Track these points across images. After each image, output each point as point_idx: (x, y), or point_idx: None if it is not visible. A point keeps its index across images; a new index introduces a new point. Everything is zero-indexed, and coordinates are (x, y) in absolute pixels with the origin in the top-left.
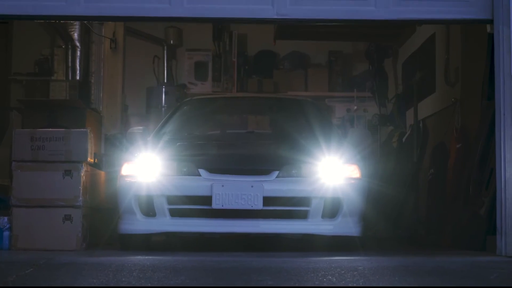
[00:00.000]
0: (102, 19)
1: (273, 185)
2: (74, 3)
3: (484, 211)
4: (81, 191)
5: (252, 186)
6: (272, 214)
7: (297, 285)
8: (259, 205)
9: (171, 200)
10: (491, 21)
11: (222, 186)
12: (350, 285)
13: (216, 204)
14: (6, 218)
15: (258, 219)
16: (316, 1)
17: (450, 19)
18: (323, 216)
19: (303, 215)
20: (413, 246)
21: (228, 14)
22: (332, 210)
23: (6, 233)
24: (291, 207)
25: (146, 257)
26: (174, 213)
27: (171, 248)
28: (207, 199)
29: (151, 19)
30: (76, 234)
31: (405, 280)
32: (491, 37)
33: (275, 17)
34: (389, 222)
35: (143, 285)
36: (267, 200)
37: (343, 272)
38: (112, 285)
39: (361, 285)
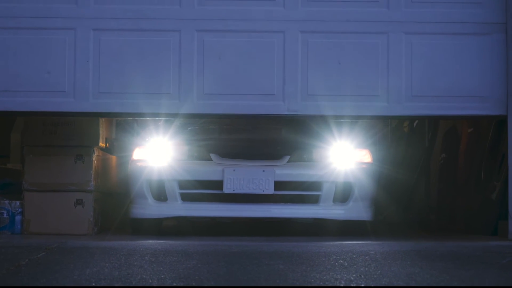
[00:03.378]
0: (111, 116)
1: (284, 169)
2: (83, 100)
3: (495, 196)
4: (92, 175)
5: (263, 171)
6: (283, 198)
7: (308, 269)
8: (270, 189)
9: (182, 184)
10: (505, 117)
11: (234, 170)
12: (361, 270)
13: (227, 189)
14: (18, 202)
15: (270, 204)
16: (327, 97)
17: (463, 115)
18: (334, 201)
19: (314, 200)
20: (424, 231)
21: (240, 110)
22: (344, 194)
23: (18, 217)
24: (303, 191)
25: (158, 241)
26: (186, 198)
27: (182, 233)
28: (218, 184)
29: (161, 115)
30: (88, 218)
31: (417, 265)
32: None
33: (286, 113)
34: (400, 206)
35: (155, 269)
36: (278, 185)
37: (354, 256)
38: (124, 269)
39: (372, 269)
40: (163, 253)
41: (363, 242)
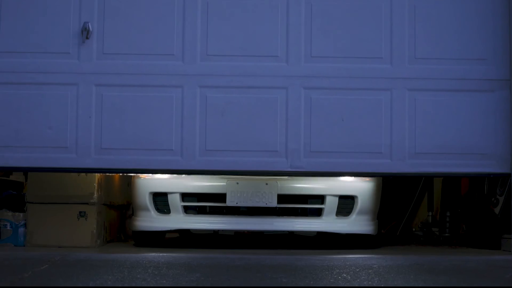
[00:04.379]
0: (113, 172)
1: (287, 183)
2: (85, 156)
3: (499, 210)
4: (95, 188)
5: (266, 184)
6: (286, 211)
7: (311, 283)
8: (273, 202)
9: (185, 197)
10: (509, 175)
11: (237, 183)
12: (365, 283)
13: (230, 202)
14: (21, 215)
15: (273, 217)
16: (330, 154)
17: (467, 172)
18: (337, 214)
19: (317, 213)
20: (427, 244)
21: (242, 166)
22: (347, 208)
23: (21, 229)
24: (305, 205)
25: (161, 254)
26: (188, 210)
27: (185, 245)
28: (221, 197)
29: (163, 171)
30: (91, 230)
31: (420, 279)
32: None
33: (289, 169)
34: (403, 220)
35: (158, 282)
36: (281, 198)
37: (357, 270)
38: (127, 282)
39: (375, 283)
40: (166, 266)
41: (366, 255)
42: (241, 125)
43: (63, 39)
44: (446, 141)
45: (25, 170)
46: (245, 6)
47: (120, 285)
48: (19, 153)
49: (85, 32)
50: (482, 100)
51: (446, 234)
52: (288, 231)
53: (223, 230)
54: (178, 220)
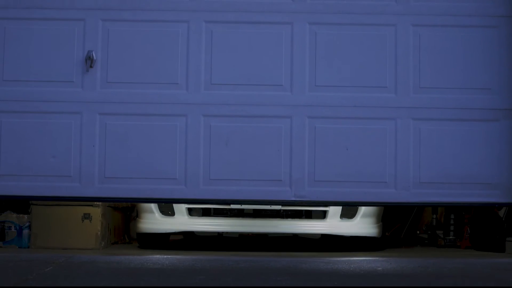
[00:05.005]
0: (117, 200)
1: None
2: (88, 185)
3: (504, 213)
4: None
5: None
6: (290, 214)
7: (316, 285)
8: (277, 205)
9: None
10: None
11: None
12: (369, 285)
13: (234, 204)
14: (25, 217)
15: (277, 219)
16: (334, 183)
17: (472, 202)
18: (341, 217)
19: (321, 216)
20: (432, 247)
21: (246, 196)
22: (351, 210)
23: (25, 231)
24: (310, 207)
25: (165, 256)
26: (193, 213)
27: (189, 247)
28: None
29: (167, 200)
30: (95, 232)
31: (425, 281)
32: None
33: (293, 199)
34: (408, 222)
35: (162, 284)
36: (286, 200)
37: (362, 272)
38: (131, 284)
39: (380, 286)
40: (171, 268)
41: (370, 258)
42: (245, 154)
43: (67, 67)
44: (450, 170)
45: (29, 199)
46: (249, 35)
47: (124, 285)
48: (22, 182)
49: (89, 61)
50: (486, 130)
51: (451, 237)
52: (292, 234)
53: (227, 233)
54: (182, 222)
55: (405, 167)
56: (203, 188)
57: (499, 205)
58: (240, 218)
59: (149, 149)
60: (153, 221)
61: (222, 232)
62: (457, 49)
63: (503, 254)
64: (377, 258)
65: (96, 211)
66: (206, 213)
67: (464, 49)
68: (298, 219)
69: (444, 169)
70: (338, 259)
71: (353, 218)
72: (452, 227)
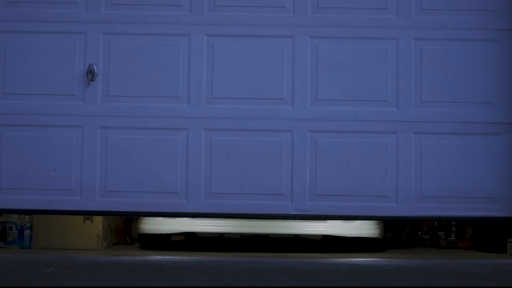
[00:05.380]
0: (118, 214)
1: None
2: (89, 198)
3: None
4: None
5: None
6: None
7: (318, 286)
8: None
9: None
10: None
11: None
12: (371, 286)
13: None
14: (27, 217)
15: (278, 220)
16: (336, 197)
17: (473, 216)
18: None
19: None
20: (433, 248)
21: (246, 209)
22: None
23: (27, 232)
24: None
25: (166, 257)
26: None
27: (191, 248)
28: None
29: (168, 214)
30: (97, 233)
31: (426, 282)
32: None
33: (295, 213)
34: (409, 223)
35: (164, 284)
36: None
37: (363, 273)
38: (132, 284)
39: (382, 286)
40: (172, 269)
41: (372, 259)
42: (246, 168)
43: (68, 81)
44: (452, 184)
45: (30, 213)
46: (251, 49)
47: (125, 286)
48: (23, 195)
49: (90, 74)
50: (488, 144)
51: (452, 238)
52: (293, 235)
53: (228, 234)
54: (184, 223)
55: (406, 181)
56: (204, 201)
57: (501, 219)
58: (241, 219)
59: (150, 163)
60: (155, 222)
61: (224, 233)
62: (458, 62)
63: (505, 255)
64: (378, 259)
65: None
66: (208, 214)
67: (465, 63)
68: (299, 220)
69: (446, 183)
70: (340, 260)
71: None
72: (453, 228)
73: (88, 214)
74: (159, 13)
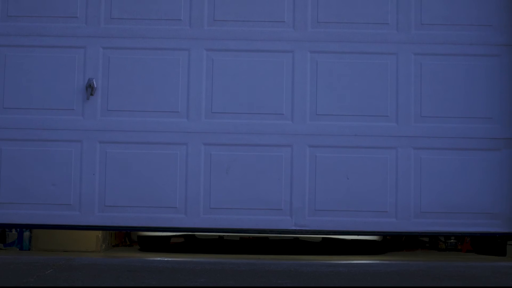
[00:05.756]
0: (117, 229)
1: None
2: (88, 213)
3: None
4: None
5: None
6: None
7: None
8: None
9: None
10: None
11: None
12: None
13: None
14: None
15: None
16: (335, 212)
17: (473, 232)
18: None
19: None
20: (433, 251)
21: (245, 225)
22: None
23: (26, 234)
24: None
25: (166, 259)
26: None
27: (190, 250)
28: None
29: (167, 229)
30: (96, 235)
31: (425, 284)
32: None
33: (294, 228)
34: None
35: (163, 286)
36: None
37: (363, 275)
38: (132, 286)
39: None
40: (171, 271)
41: (371, 261)
42: (245, 183)
43: (68, 95)
44: (451, 199)
45: (29, 227)
46: (250, 63)
47: (124, 285)
48: (22, 210)
49: (90, 89)
50: (487, 159)
51: (452, 240)
52: (293, 237)
53: (228, 236)
54: None
55: (406, 196)
56: (203, 216)
57: (500, 235)
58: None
59: (149, 178)
60: None
61: (223, 235)
62: (458, 78)
63: (504, 257)
64: (378, 261)
65: None
66: None
67: (465, 78)
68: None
69: (445, 198)
70: (339, 262)
71: None
72: None
73: (87, 229)
74: (159, 27)
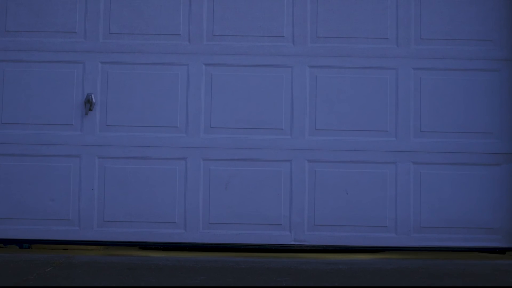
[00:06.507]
0: (116, 245)
1: None
2: (87, 228)
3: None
4: None
5: None
6: None
7: (317, 285)
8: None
9: None
10: None
11: None
12: (371, 285)
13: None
14: None
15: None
16: (334, 228)
17: (473, 247)
18: None
19: None
20: None
21: (245, 240)
22: None
23: None
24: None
25: (166, 257)
26: None
27: (190, 248)
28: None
29: (166, 244)
30: None
31: (425, 282)
32: None
33: (293, 243)
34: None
35: (163, 284)
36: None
37: (363, 273)
38: (131, 284)
39: (382, 285)
40: (171, 269)
41: (371, 258)
42: (244, 198)
43: (66, 110)
44: (451, 215)
45: (27, 243)
46: (249, 78)
47: (124, 286)
48: (21, 225)
49: (88, 104)
50: (487, 174)
51: None
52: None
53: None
54: None
55: (405, 211)
56: (202, 232)
57: (500, 250)
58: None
59: (148, 193)
60: None
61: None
62: (458, 92)
63: (504, 255)
64: (378, 259)
65: None
66: None
67: (465, 93)
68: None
69: (445, 213)
70: (339, 259)
71: None
72: None
73: (86, 244)
74: (158, 42)
